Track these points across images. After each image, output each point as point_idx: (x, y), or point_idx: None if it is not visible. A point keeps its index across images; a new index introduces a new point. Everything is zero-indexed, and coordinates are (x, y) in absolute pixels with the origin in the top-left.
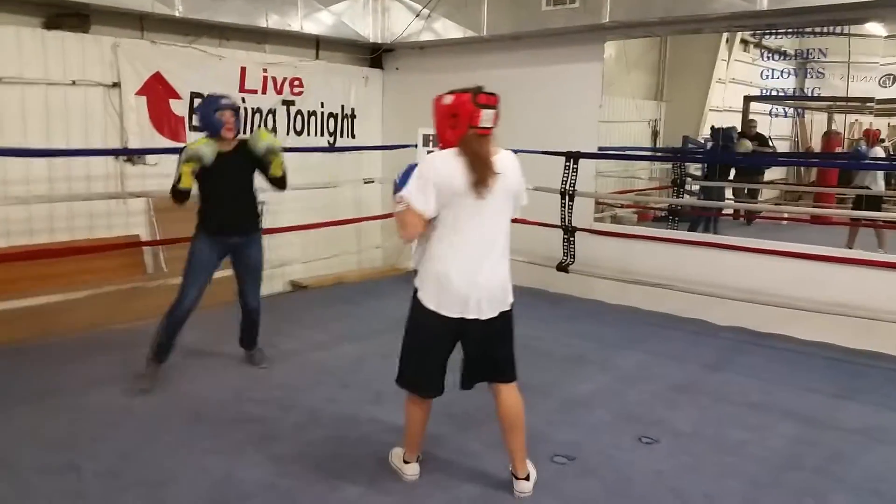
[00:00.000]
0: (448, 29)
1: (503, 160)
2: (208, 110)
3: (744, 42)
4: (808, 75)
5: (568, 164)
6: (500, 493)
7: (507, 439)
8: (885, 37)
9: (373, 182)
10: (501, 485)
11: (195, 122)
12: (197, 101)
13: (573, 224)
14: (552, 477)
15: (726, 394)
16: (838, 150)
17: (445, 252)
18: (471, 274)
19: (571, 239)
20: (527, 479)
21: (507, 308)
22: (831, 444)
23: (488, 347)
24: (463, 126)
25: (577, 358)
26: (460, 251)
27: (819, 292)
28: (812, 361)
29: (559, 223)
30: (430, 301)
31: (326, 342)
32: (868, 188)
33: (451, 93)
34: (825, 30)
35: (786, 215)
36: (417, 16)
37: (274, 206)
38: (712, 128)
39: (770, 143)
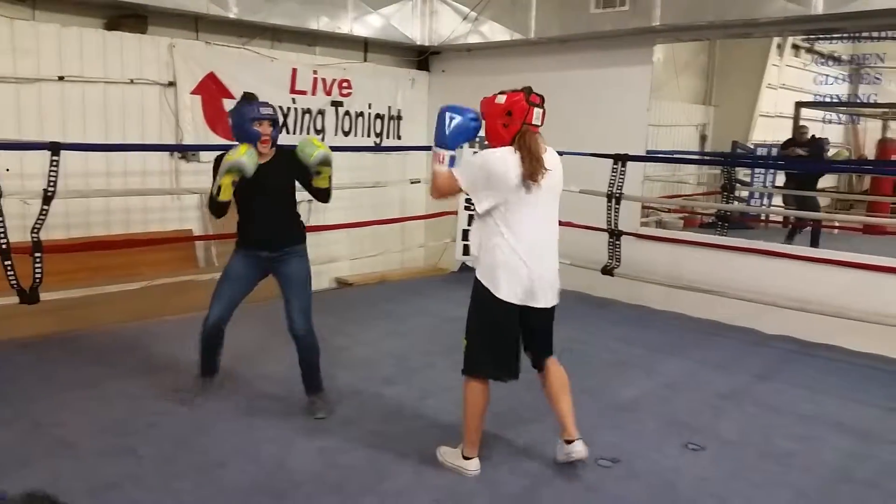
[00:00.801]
0: (495, 31)
1: (551, 158)
2: (243, 120)
3: (795, 47)
4: (864, 81)
5: (616, 166)
6: (544, 490)
7: (557, 405)
8: None
9: (419, 182)
10: (546, 481)
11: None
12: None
13: (619, 228)
14: (596, 479)
15: (775, 403)
16: (894, 157)
17: (507, 245)
18: (535, 266)
19: (617, 242)
20: (579, 440)
21: (558, 299)
22: (884, 457)
23: (546, 330)
24: (517, 123)
25: (622, 363)
26: (521, 244)
27: (872, 303)
28: (864, 373)
29: (605, 226)
30: (500, 291)
31: (371, 339)
32: None
33: (501, 93)
34: (882, 34)
35: (837, 224)
36: (465, 18)
37: (321, 205)
38: (812, 136)
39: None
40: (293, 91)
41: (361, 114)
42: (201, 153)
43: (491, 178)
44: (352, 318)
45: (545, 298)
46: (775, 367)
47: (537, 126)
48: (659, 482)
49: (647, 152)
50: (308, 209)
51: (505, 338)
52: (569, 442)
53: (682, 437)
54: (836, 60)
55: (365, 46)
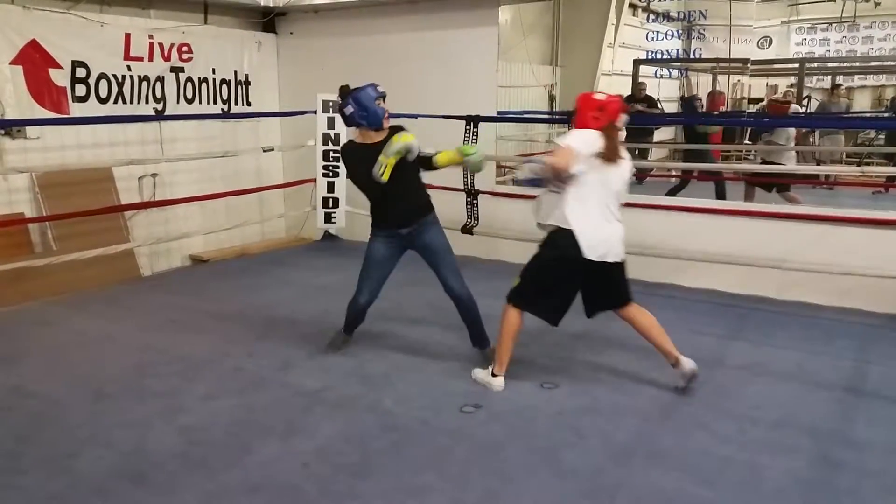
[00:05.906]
0: None
1: (626, 158)
2: (370, 101)
3: (632, 6)
4: (693, 37)
5: (468, 127)
6: (412, 442)
7: (658, 342)
8: (758, 1)
9: (272, 150)
10: (413, 433)
11: (349, 114)
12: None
13: (475, 187)
14: (462, 425)
15: (621, 341)
16: (722, 109)
17: (581, 210)
18: (602, 229)
19: (475, 202)
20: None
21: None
22: (717, 380)
23: (617, 284)
24: (605, 120)
25: (483, 317)
26: (592, 210)
27: (705, 243)
28: (699, 307)
29: (462, 187)
30: (575, 248)
31: (231, 313)
32: None
33: (601, 93)
34: None
35: (674, 173)
36: None
37: (168, 178)
38: (681, 97)
39: (658, 105)
40: (128, 58)
41: (205, 80)
42: (28, 129)
43: (587, 143)
44: (209, 295)
45: (616, 255)
46: None
47: (619, 129)
48: (518, 421)
49: (499, 113)
50: (153, 183)
51: (570, 287)
52: (678, 362)
53: (539, 378)
54: (668, 18)
55: (205, 8)
